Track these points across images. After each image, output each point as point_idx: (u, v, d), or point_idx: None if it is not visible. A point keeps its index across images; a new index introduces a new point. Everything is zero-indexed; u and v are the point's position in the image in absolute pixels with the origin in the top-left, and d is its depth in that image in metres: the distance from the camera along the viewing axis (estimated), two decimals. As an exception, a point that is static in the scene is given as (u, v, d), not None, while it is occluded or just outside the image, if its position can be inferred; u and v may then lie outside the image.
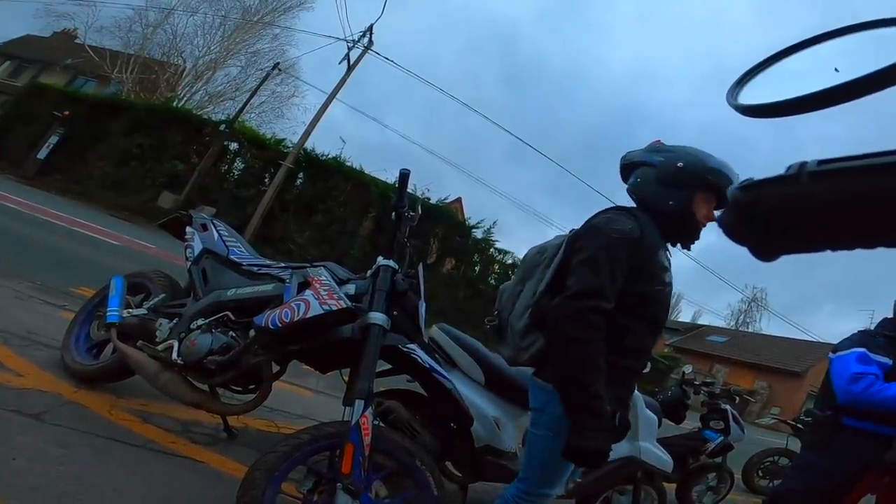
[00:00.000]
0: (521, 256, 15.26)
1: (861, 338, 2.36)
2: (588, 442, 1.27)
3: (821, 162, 0.41)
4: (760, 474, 5.06)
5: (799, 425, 4.99)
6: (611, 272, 1.37)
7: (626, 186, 1.65)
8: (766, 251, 0.47)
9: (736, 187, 0.46)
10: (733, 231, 0.47)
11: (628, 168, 1.64)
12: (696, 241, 1.58)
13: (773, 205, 0.44)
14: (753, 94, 0.54)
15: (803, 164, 0.42)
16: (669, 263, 1.52)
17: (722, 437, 3.71)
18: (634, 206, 1.59)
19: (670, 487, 3.42)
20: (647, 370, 1.68)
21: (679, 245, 1.60)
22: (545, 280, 1.51)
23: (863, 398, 2.19)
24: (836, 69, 0.46)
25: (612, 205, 1.67)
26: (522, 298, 1.59)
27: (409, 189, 2.06)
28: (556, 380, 1.40)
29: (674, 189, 1.50)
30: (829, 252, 0.43)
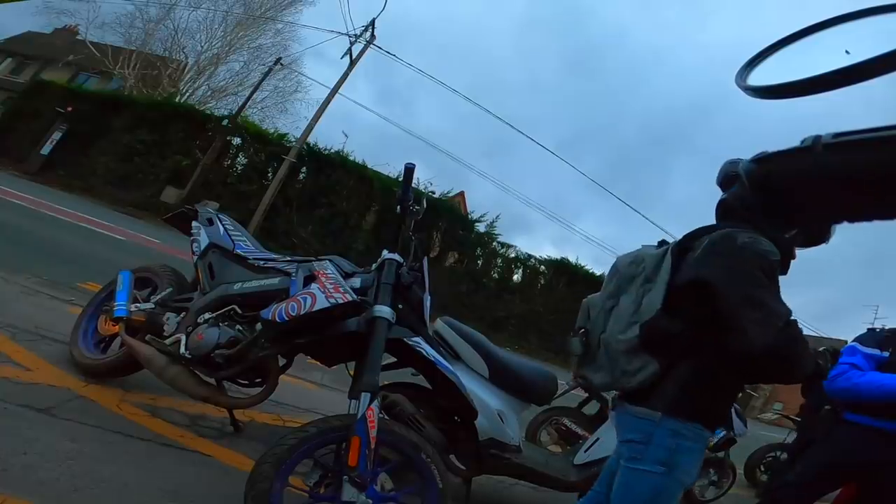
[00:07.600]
0: (524, 251, 15.22)
1: (864, 333, 2.35)
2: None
3: (836, 135, 0.41)
4: (762, 469, 5.07)
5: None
6: (777, 291, 1.27)
7: (723, 194, 1.50)
8: (781, 224, 0.47)
9: (750, 160, 0.46)
10: (747, 205, 0.48)
11: (732, 178, 1.53)
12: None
13: (787, 177, 0.44)
14: (764, 75, 0.54)
15: (818, 137, 0.42)
16: None
17: (724, 432, 3.71)
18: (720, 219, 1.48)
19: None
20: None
21: None
22: (657, 300, 1.34)
23: (831, 388, 2.18)
24: (846, 51, 0.46)
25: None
26: (619, 315, 1.43)
27: (413, 183, 2.07)
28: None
29: None
30: (846, 224, 0.44)
